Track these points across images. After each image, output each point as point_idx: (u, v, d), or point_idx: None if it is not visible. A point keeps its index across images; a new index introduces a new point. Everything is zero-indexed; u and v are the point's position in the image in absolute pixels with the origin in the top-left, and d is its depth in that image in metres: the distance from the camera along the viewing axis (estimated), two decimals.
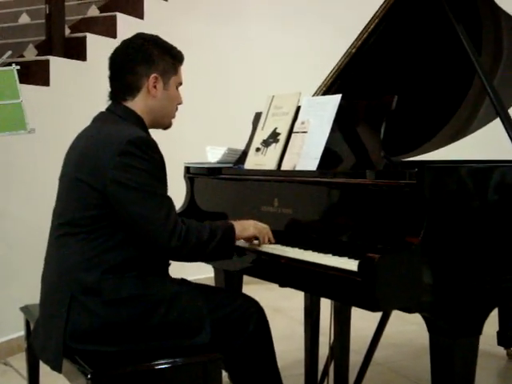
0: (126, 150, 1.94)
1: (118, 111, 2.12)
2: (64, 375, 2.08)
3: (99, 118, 2.15)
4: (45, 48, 4.33)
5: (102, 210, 1.97)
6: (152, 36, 2.17)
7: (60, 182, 2.13)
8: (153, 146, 2.01)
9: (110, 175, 1.94)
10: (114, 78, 2.15)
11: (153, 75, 2.11)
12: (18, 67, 3.16)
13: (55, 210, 2.12)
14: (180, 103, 2.23)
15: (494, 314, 2.46)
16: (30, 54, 4.39)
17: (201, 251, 2.04)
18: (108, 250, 1.97)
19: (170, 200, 2.02)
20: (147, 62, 2.10)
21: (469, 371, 1.91)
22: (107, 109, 2.16)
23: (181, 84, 2.22)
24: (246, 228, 2.17)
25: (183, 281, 2.15)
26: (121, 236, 1.98)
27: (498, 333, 3.39)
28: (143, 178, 1.95)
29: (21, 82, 3.17)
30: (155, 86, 2.12)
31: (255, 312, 2.13)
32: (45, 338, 2.04)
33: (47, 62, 4.00)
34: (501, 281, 1.98)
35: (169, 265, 2.15)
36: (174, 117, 2.23)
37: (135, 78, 2.11)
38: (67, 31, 4.50)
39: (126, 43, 2.15)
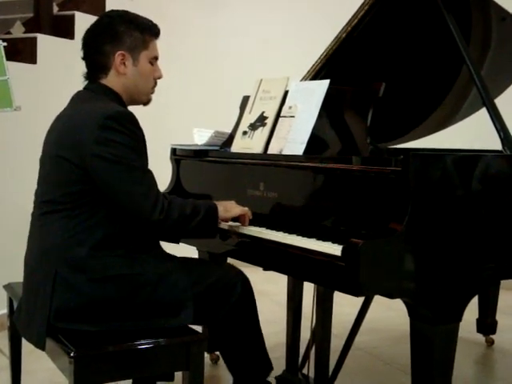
0: (105, 125, 1.95)
1: (94, 89, 2.13)
2: (47, 354, 2.08)
3: (77, 97, 2.16)
4: (32, 25, 4.29)
5: (85, 185, 1.97)
6: (120, 12, 2.16)
7: (41, 162, 2.13)
8: (132, 119, 2.01)
9: (91, 150, 1.94)
10: (85, 58, 2.16)
11: (118, 53, 2.10)
12: (5, 44, 3.13)
13: (37, 191, 2.12)
14: (159, 77, 2.21)
15: (474, 302, 2.48)
16: (18, 31, 4.35)
17: (183, 226, 2.05)
18: (92, 226, 1.98)
19: (151, 174, 2.03)
20: (113, 40, 2.11)
21: (448, 357, 1.94)
22: (84, 88, 2.18)
23: (156, 58, 2.20)
24: (229, 209, 2.19)
25: (170, 257, 2.15)
26: (104, 212, 1.99)
27: (477, 320, 3.43)
28: (123, 151, 1.96)
29: (8, 59, 3.14)
30: (124, 63, 2.12)
31: (239, 281, 2.17)
32: (28, 316, 2.04)
33: (35, 39, 3.97)
34: (481, 269, 2.00)
35: (157, 240, 2.15)
36: (151, 92, 2.22)
37: (103, 57, 2.11)
38: (55, 9, 4.46)
39: (95, 23, 2.16)
